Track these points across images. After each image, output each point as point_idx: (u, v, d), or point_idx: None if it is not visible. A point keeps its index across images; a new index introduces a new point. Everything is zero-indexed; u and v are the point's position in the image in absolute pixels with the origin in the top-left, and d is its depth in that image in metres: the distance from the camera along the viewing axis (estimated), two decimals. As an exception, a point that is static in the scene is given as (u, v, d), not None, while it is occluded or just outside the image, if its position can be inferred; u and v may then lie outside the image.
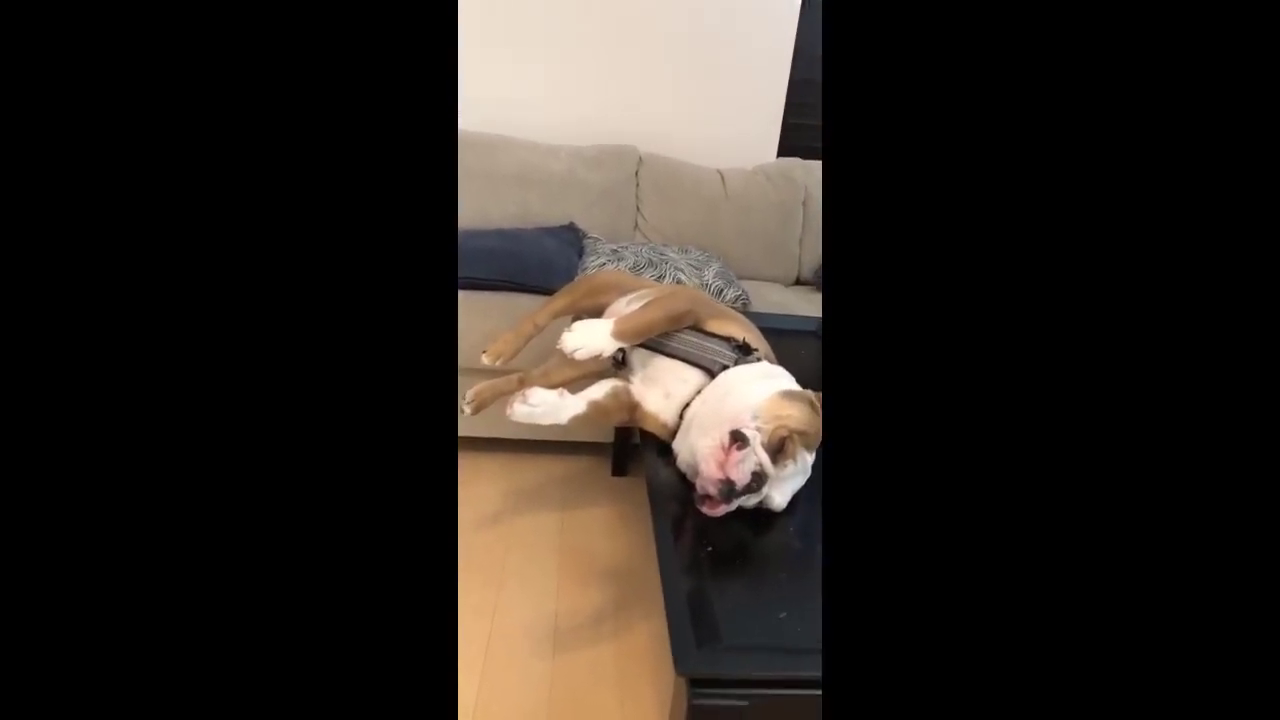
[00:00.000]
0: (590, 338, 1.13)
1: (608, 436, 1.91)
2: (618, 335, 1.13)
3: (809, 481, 1.06)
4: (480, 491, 1.83)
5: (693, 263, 2.00)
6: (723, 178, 2.27)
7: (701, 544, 0.94)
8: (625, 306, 1.28)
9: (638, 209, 2.24)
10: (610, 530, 1.74)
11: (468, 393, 1.49)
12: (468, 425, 1.86)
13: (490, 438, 1.94)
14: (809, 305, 2.07)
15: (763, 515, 1.02)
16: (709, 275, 1.95)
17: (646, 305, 1.19)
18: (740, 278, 2.11)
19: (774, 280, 2.29)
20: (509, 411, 1.07)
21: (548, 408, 1.07)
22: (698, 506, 0.98)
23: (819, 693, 0.73)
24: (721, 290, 1.93)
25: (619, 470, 1.92)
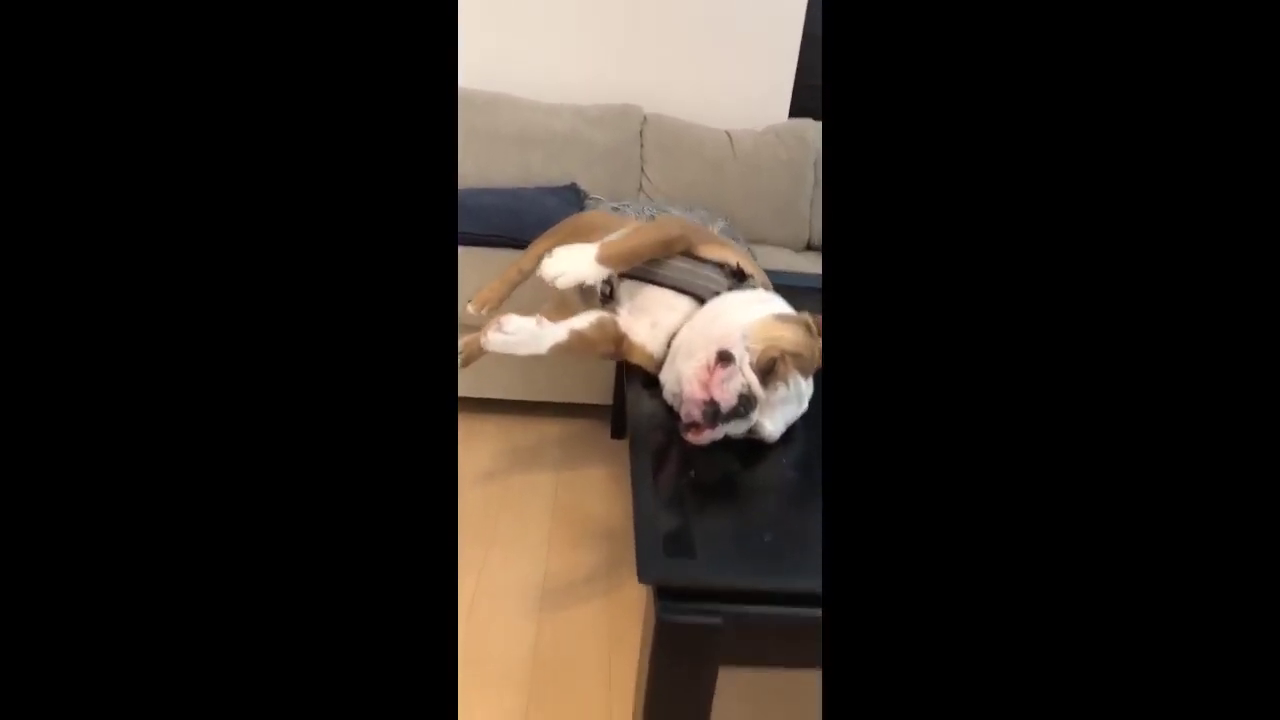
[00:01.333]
0: (573, 263, 1.07)
1: (607, 398, 1.84)
2: (602, 260, 1.06)
3: (808, 414, 0.98)
4: (475, 452, 1.77)
5: (697, 220, 1.93)
6: (731, 138, 2.19)
7: (684, 471, 0.87)
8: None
9: (642, 169, 2.18)
10: (606, 492, 1.67)
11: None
12: (463, 386, 1.81)
13: (487, 398, 1.88)
14: (819, 271, 1.99)
15: (755, 446, 0.94)
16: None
17: (634, 230, 1.12)
18: (749, 242, 2.03)
19: (783, 245, 2.20)
20: (483, 341, 1.00)
21: (525, 336, 1.00)
22: (683, 436, 0.91)
23: (807, 610, 0.66)
24: (726, 247, 1.85)
25: (618, 433, 1.85)
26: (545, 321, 1.02)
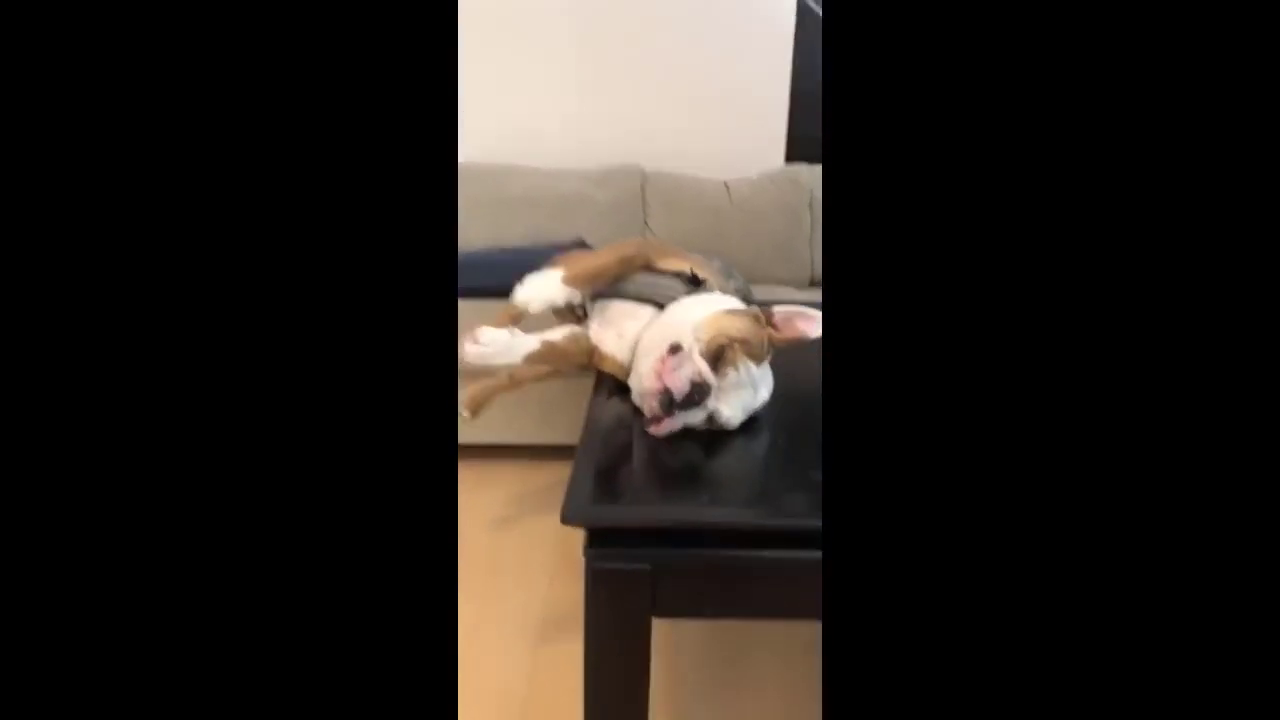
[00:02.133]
0: (540, 288, 1.14)
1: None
2: (567, 281, 1.13)
3: (775, 409, 1.01)
4: (489, 494, 1.83)
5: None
6: (728, 187, 2.31)
7: (638, 452, 0.90)
8: None
9: (645, 222, 2.29)
10: (614, 524, 1.69)
11: (462, 397, 1.52)
12: (480, 432, 1.88)
13: (504, 444, 1.94)
14: (820, 300, 2.03)
15: (718, 436, 0.97)
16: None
17: (594, 253, 1.20)
18: (753, 283, 2.09)
19: (787, 283, 2.26)
20: (461, 354, 1.07)
21: (499, 347, 1.07)
22: (645, 430, 0.94)
23: (738, 552, 0.67)
24: (724, 281, 1.92)
25: (627, 470, 1.88)
26: (519, 333, 1.09)
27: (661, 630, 1.34)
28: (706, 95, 2.41)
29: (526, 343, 1.09)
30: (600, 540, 0.67)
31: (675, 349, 0.94)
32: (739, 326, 0.97)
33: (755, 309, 1.03)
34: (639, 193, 2.30)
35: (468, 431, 1.84)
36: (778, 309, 1.03)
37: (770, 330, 1.00)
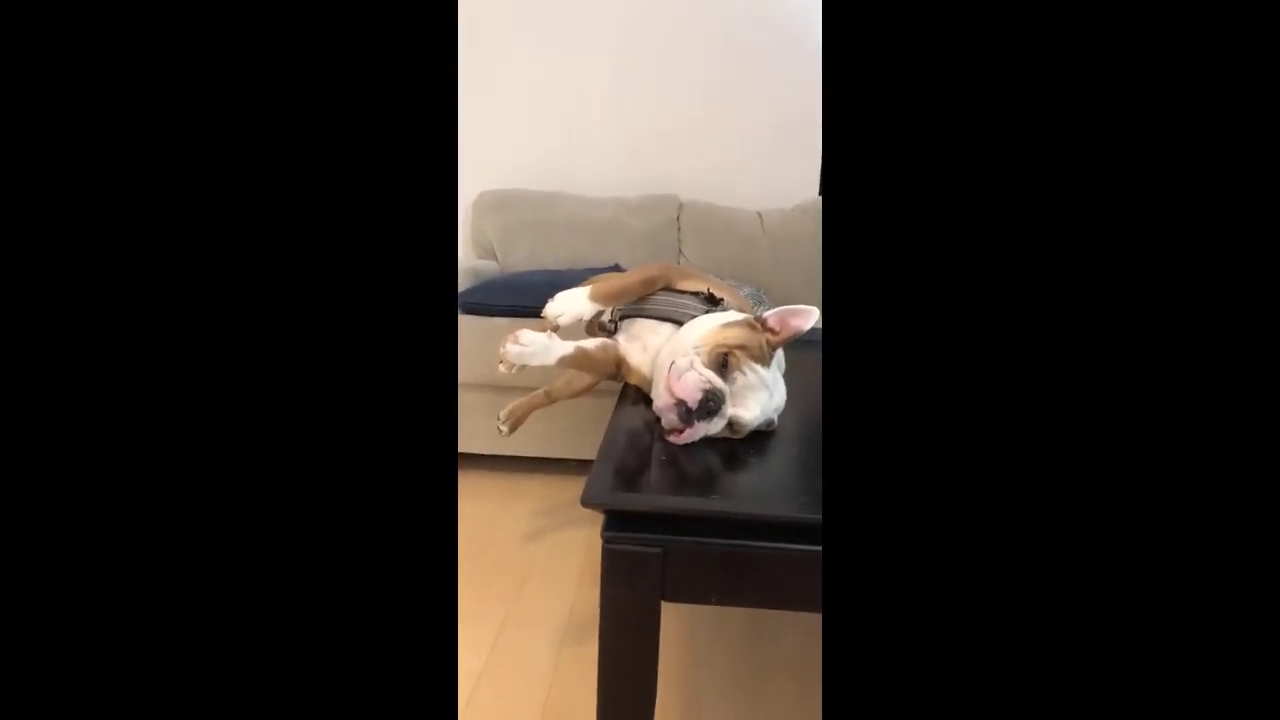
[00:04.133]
0: (569, 303, 1.22)
1: (645, 454, 1.94)
2: (593, 297, 1.22)
3: (790, 428, 1.05)
4: (521, 505, 1.89)
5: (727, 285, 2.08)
6: (761, 217, 2.37)
7: (657, 453, 0.96)
8: None
9: (680, 249, 2.37)
10: (639, 537, 1.74)
11: (500, 413, 1.61)
12: (512, 445, 1.96)
13: (535, 457, 2.01)
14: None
15: (733, 445, 1.02)
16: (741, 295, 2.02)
17: (620, 273, 1.28)
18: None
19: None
20: (502, 352, 1.15)
21: (538, 348, 1.15)
22: (664, 437, 1.00)
23: (747, 543, 0.72)
24: (753, 307, 1.98)
25: (655, 486, 1.93)
26: (556, 338, 1.16)
27: (679, 621, 1.39)
28: (744, 129, 2.50)
29: (562, 347, 1.16)
30: (616, 524, 0.73)
31: (678, 364, 1.00)
32: (735, 335, 1.03)
33: (749, 317, 1.09)
34: (674, 221, 2.38)
35: (503, 444, 1.92)
36: (770, 312, 1.10)
37: (768, 335, 1.06)
